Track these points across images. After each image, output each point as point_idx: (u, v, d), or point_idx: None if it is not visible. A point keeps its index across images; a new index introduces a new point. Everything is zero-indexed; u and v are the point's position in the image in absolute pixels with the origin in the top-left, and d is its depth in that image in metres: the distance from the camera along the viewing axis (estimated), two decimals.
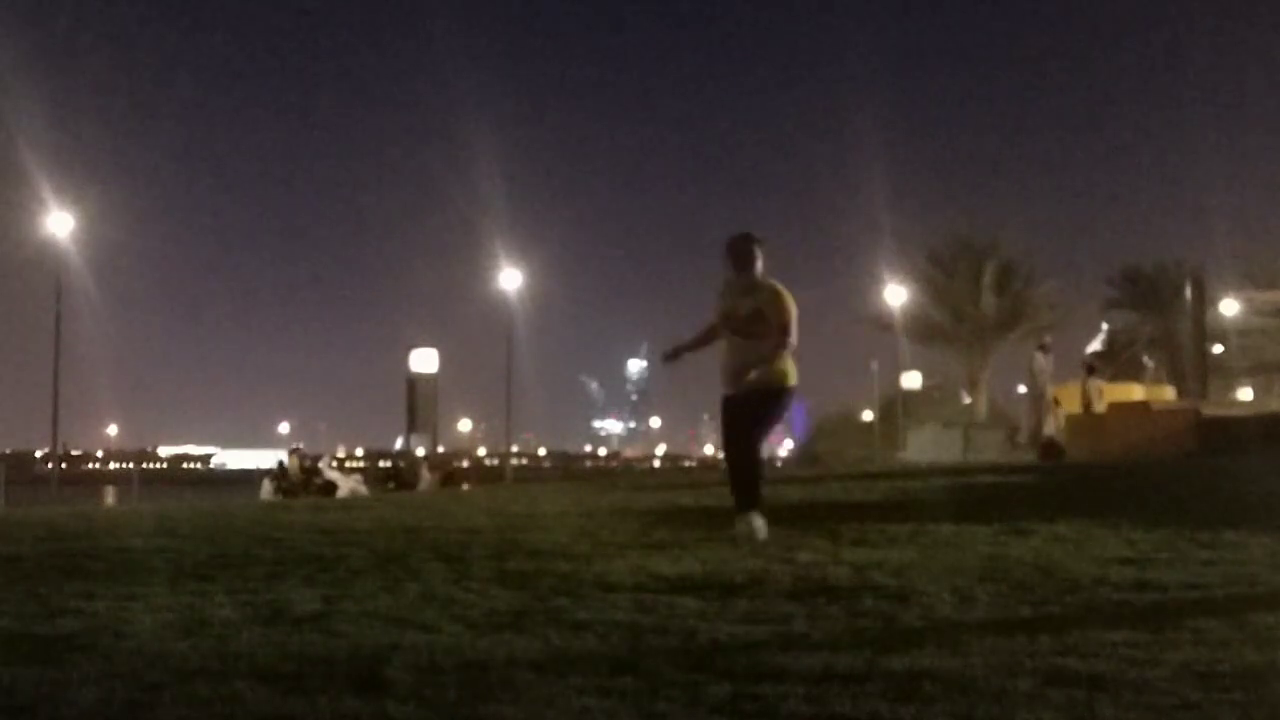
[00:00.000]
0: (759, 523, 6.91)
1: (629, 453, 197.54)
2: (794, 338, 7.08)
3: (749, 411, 7.09)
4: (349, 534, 7.79)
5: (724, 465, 7.46)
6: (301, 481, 23.88)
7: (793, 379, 7.10)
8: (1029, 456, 21.17)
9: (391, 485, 28.39)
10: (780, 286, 7.14)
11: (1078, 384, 23.34)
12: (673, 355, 7.57)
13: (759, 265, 7.16)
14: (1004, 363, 45.96)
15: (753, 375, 6.97)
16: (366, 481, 28.37)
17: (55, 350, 35.80)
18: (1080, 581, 5.11)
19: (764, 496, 7.22)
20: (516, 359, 41.70)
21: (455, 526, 8.24)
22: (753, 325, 7.06)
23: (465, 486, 28.60)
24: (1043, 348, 22.42)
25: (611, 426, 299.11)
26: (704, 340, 7.44)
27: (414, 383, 37.10)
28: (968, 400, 45.67)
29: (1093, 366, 22.47)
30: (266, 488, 24.10)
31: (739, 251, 7.19)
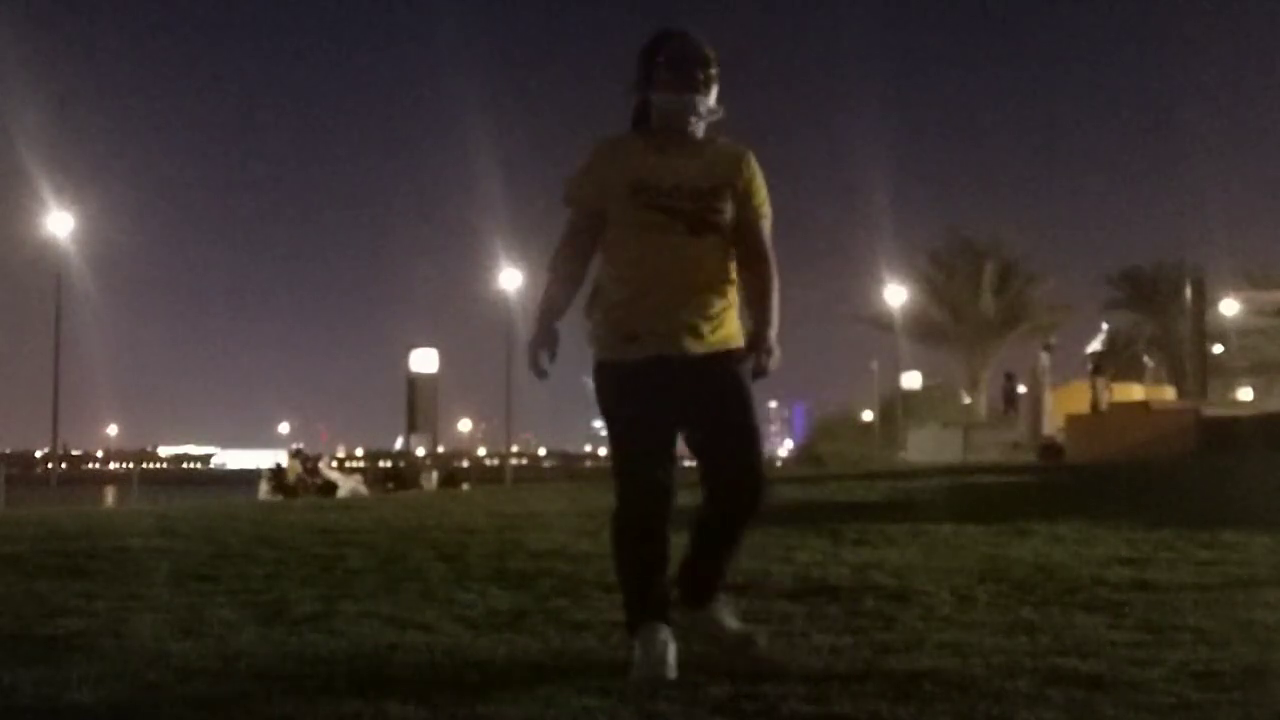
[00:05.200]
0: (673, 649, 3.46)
1: None
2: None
3: (726, 398, 3.59)
4: (349, 534, 7.79)
5: (644, 534, 3.95)
6: (301, 482, 23.89)
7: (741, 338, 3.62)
8: (1029, 456, 21.18)
9: (391, 486, 28.39)
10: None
11: (1079, 384, 23.38)
12: (544, 347, 3.62)
13: (715, 97, 3.53)
14: (1004, 363, 46.02)
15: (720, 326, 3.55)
16: (366, 482, 28.37)
17: (55, 350, 35.93)
18: (1080, 581, 5.11)
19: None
20: (516, 359, 41.66)
21: (455, 526, 8.24)
22: (713, 212, 3.47)
23: (465, 486, 28.63)
24: (1048, 348, 22.51)
25: None
26: (574, 282, 3.63)
27: (414, 383, 37.06)
28: (968, 400, 45.67)
29: (1100, 365, 22.47)
30: (263, 488, 24.11)
31: (693, 56, 3.48)
